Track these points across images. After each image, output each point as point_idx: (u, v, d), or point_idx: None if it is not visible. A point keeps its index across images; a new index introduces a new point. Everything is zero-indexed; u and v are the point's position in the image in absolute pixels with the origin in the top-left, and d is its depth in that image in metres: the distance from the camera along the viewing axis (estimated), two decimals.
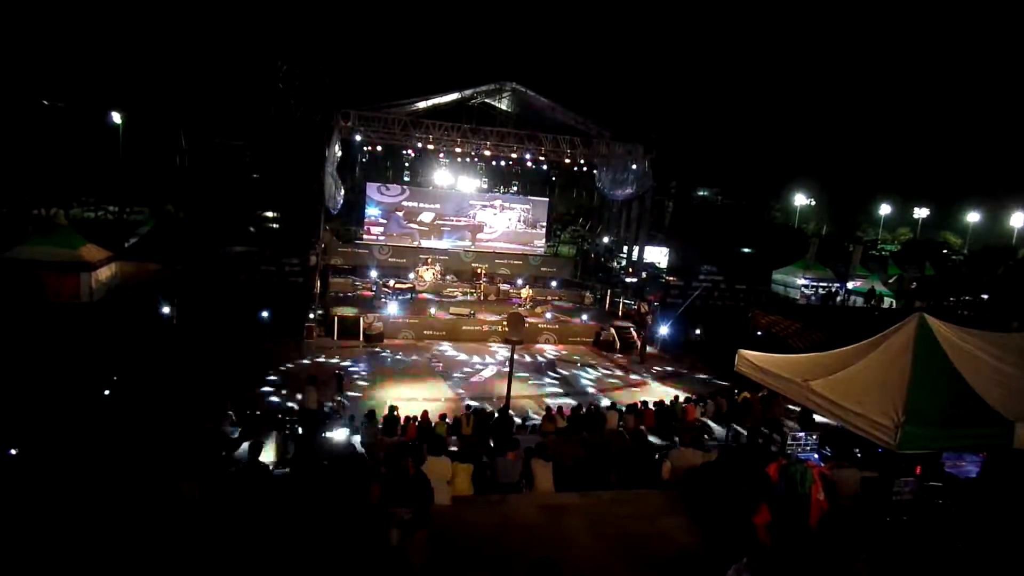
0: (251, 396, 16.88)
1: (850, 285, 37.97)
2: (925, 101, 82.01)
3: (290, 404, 16.14)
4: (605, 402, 18.26)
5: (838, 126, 74.29)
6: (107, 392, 14.20)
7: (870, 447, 8.45)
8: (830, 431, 9.53)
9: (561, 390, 20.19)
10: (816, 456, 8.86)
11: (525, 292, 27.90)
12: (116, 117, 39.95)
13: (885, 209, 65.58)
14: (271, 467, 10.63)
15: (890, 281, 39.62)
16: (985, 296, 37.03)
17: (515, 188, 35.85)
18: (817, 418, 9.97)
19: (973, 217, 62.96)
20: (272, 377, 18.84)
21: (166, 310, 20.84)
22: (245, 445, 10.44)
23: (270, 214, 40.24)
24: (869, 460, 8.66)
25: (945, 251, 57.75)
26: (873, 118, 77.23)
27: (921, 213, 64.42)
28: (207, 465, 8.53)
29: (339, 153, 24.88)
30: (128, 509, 7.22)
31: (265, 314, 22.28)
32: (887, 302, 36.73)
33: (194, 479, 7.75)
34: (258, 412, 14.45)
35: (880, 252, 55.02)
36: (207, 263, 23.31)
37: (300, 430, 13.39)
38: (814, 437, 9.07)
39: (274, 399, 17.15)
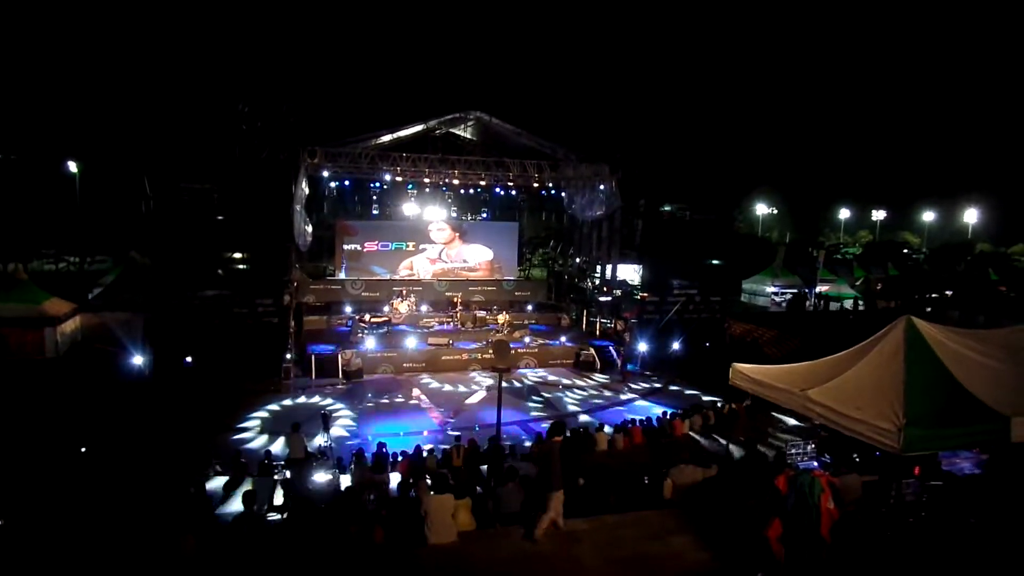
0: (233, 442, 16.48)
1: (818, 289, 38.71)
2: (875, 107, 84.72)
3: (274, 448, 15.75)
4: (586, 419, 18.25)
5: (795, 135, 76.22)
6: (83, 449, 13.70)
7: (868, 451, 8.54)
8: (827, 438, 9.61)
9: (546, 414, 20.08)
10: (816, 464, 8.91)
11: (502, 318, 27.82)
12: (72, 166, 39.22)
13: (844, 213, 67.29)
14: (264, 515, 10.35)
15: (857, 283, 40.52)
16: (949, 292, 38.04)
17: (484, 215, 35.92)
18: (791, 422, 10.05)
19: (929, 216, 64.93)
20: (253, 422, 18.41)
21: (138, 360, 20.29)
22: (238, 494, 10.17)
23: (239, 255, 39.69)
24: (868, 464, 8.74)
25: (905, 251, 59.39)
26: (828, 126, 79.45)
27: (879, 215, 66.23)
28: (202, 518, 8.26)
29: (306, 190, 24.67)
30: (127, 566, 6.97)
31: (241, 357, 21.89)
32: (853, 304, 37.49)
33: (191, 532, 7.50)
34: (243, 460, 14.06)
35: (843, 255, 56.29)
36: (178, 309, 22.82)
37: (288, 475, 13.06)
38: (812, 445, 9.14)
39: (257, 444, 16.74)
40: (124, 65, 53.47)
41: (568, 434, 15.08)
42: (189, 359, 20.85)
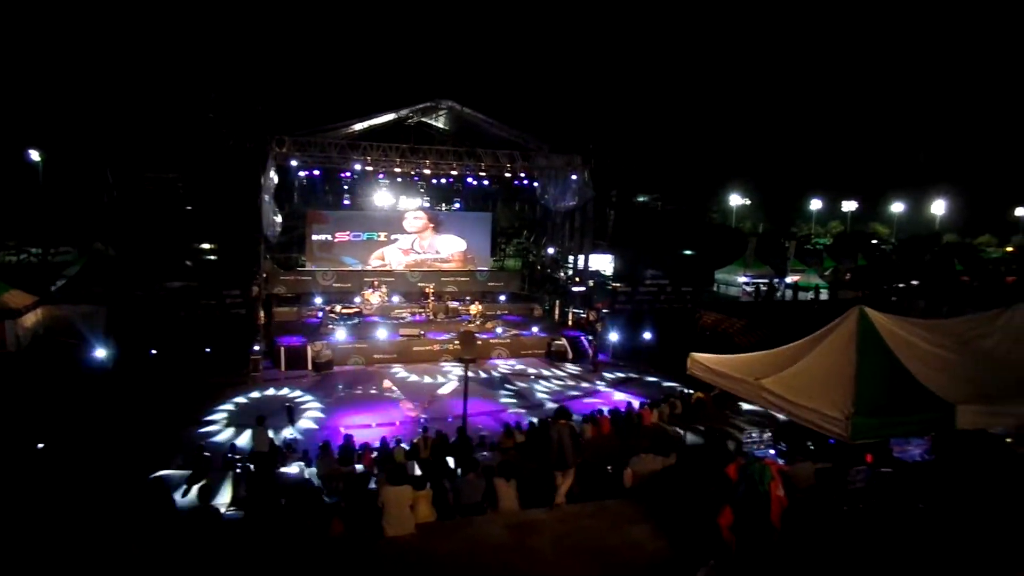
0: (198, 436, 16.31)
1: (789, 280, 39.23)
2: (849, 99, 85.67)
3: (239, 442, 15.61)
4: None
5: (769, 127, 76.90)
6: (40, 446, 13.43)
7: (822, 439, 8.67)
8: (782, 426, 9.76)
9: (517, 404, 20.14)
10: (772, 452, 9.04)
11: (474, 308, 27.80)
12: (35, 155, 38.29)
13: (816, 204, 68.11)
14: (223, 510, 10.24)
15: (826, 273, 41.13)
16: (915, 282, 38.75)
17: (457, 205, 35.78)
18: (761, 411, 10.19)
19: (898, 207, 65.99)
20: (219, 415, 18.23)
21: (101, 353, 19.94)
22: (195, 488, 10.05)
23: (207, 246, 39.11)
24: (822, 452, 8.88)
25: (875, 241, 60.37)
26: (802, 117, 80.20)
27: (850, 206, 67.14)
28: (154, 516, 8.13)
29: (275, 180, 24.38)
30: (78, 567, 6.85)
31: (208, 349, 21.60)
32: (824, 294, 38.08)
33: (142, 534, 7.39)
34: (207, 453, 13.92)
35: (814, 246, 57.06)
36: (143, 301, 22.40)
37: (252, 468, 12.95)
38: (768, 434, 9.27)
39: (222, 437, 16.58)
40: (86, 52, 52.18)
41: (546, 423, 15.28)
42: (154, 352, 20.53)
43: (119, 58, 52.71)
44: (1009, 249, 58.03)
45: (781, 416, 8.72)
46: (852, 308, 7.94)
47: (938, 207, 62.94)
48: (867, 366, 7.25)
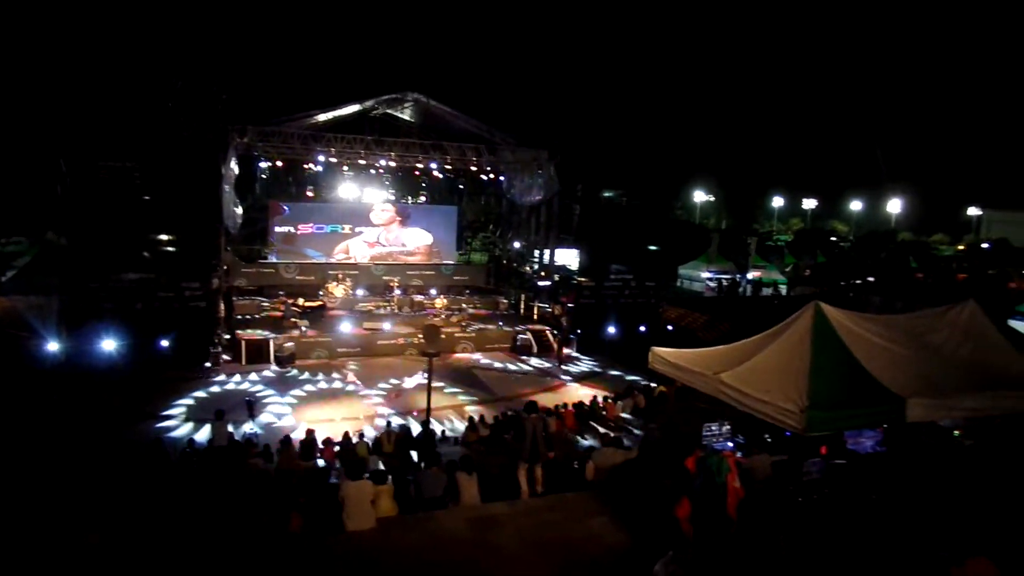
0: (156, 431, 15.94)
1: (750, 275, 39.91)
2: (808, 100, 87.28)
3: (198, 437, 15.31)
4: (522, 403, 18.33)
5: (732, 124, 77.99)
6: None
7: (779, 432, 8.84)
8: (741, 419, 9.89)
9: (482, 398, 20.13)
10: (730, 445, 9.17)
11: (439, 302, 27.70)
12: None
13: (778, 202, 69.35)
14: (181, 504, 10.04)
15: (787, 270, 41.94)
16: (871, 279, 39.76)
17: (423, 198, 35.55)
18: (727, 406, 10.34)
19: (856, 205, 67.56)
20: (177, 409, 17.85)
21: (53, 346, 19.36)
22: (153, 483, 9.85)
23: (165, 237, 38.19)
24: (779, 444, 9.06)
25: (833, 238, 61.74)
26: (765, 115, 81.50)
27: (810, 204, 68.51)
28: (111, 511, 7.95)
29: (236, 170, 23.89)
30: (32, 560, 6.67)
31: (166, 343, 21.13)
32: (783, 290, 38.86)
33: (98, 528, 7.22)
34: (164, 449, 13.63)
35: (776, 243, 58.11)
36: (97, 293, 21.76)
37: (211, 463, 12.72)
38: (727, 427, 9.40)
39: (181, 432, 16.24)
40: (39, 36, 50.45)
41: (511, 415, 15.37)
42: (109, 345, 19.99)
43: (73, 43, 51.08)
44: (961, 247, 59.91)
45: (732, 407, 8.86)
46: (808, 304, 8.09)
47: (894, 206, 64.61)
48: (822, 360, 7.39)
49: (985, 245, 57.27)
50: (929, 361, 7.99)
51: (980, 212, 65.19)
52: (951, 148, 69.08)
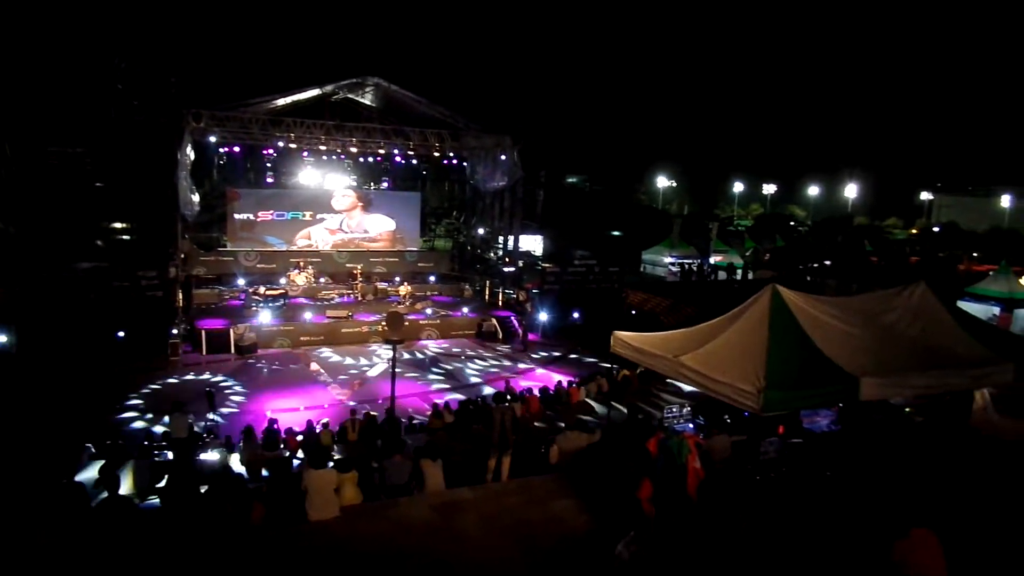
0: (111, 424, 15.57)
1: (712, 260, 40.49)
2: (767, 87, 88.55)
3: (157, 429, 15.01)
4: (490, 392, 18.41)
5: (693, 111, 78.84)
6: None
7: (738, 413, 9.03)
8: (701, 401, 10.11)
9: (447, 385, 20.13)
10: (691, 426, 9.36)
11: (403, 289, 27.53)
12: None
13: (739, 187, 70.39)
14: (138, 500, 9.87)
15: (747, 254, 42.65)
16: (828, 262, 40.67)
17: (385, 184, 35.11)
18: (687, 389, 10.54)
19: (814, 191, 68.96)
20: (134, 401, 17.47)
21: (1, 338, 18.73)
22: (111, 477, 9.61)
23: (120, 225, 37.06)
24: (738, 425, 9.25)
25: (792, 223, 62.97)
26: (725, 101, 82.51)
27: (770, 189, 69.72)
28: (71, 507, 7.74)
29: (192, 156, 23.28)
30: None
31: (122, 333, 20.59)
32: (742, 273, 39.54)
33: (49, 525, 7.01)
34: (120, 441, 13.32)
35: (736, 227, 59.01)
36: (49, 283, 21.07)
37: (170, 456, 12.50)
38: (688, 408, 9.58)
39: (138, 424, 15.91)
40: None
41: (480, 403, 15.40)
42: (61, 337, 19.38)
43: (16, 22, 48.99)
44: (914, 231, 61.74)
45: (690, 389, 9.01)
46: (766, 287, 8.25)
47: (850, 191, 66.14)
48: (778, 342, 7.57)
49: (936, 229, 59.08)
50: (881, 341, 8.24)
51: (931, 197, 67.19)
52: (904, 135, 70.94)
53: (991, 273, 26.33)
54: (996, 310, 22.75)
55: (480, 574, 6.76)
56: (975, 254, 45.61)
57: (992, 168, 63.13)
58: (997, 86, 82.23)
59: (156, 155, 23.32)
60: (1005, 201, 57.79)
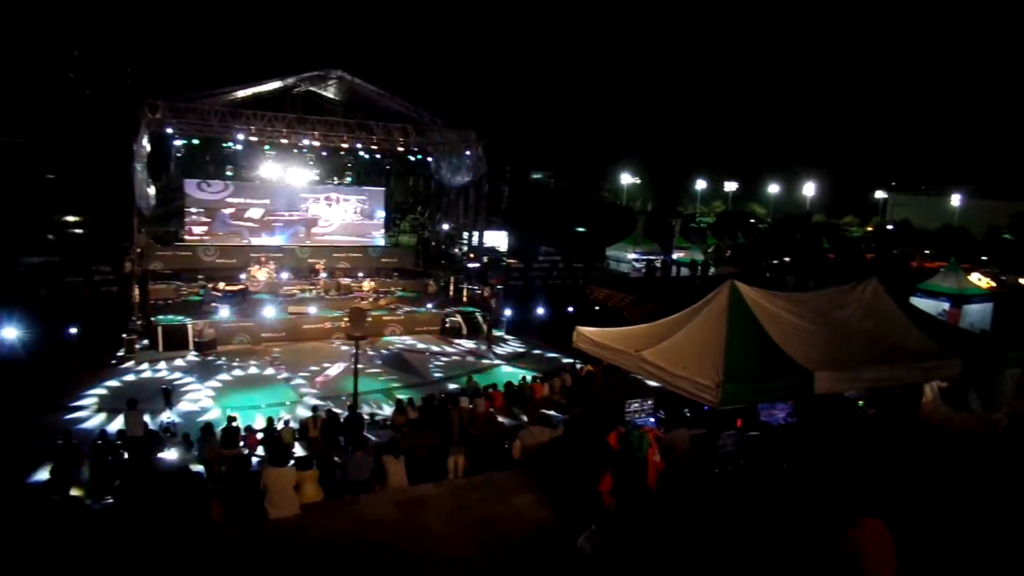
0: (63, 423, 15.12)
1: (675, 256, 41.02)
2: (729, 86, 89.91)
3: (112, 428, 14.63)
4: (454, 387, 18.39)
5: (657, 109, 79.69)
6: None
7: (697, 407, 9.18)
8: (662, 395, 10.23)
9: (411, 381, 20.01)
10: (652, 420, 9.47)
11: (367, 285, 27.27)
12: None
13: (701, 184, 71.39)
14: (91, 501, 9.61)
15: (709, 251, 43.31)
16: (787, 259, 41.55)
17: (349, 179, 34.66)
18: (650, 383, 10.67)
19: (774, 189, 70.32)
20: (88, 400, 16.99)
21: None
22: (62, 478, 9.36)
23: (72, 219, 35.87)
24: (697, 419, 9.40)
25: (752, 220, 64.14)
26: (688, 99, 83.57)
27: (731, 187, 70.87)
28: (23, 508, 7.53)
29: (148, 148, 22.70)
30: None
31: (74, 330, 20.01)
32: (707, 269, 40.11)
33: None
34: (73, 441, 12.94)
35: (699, 224, 59.85)
36: None
37: (125, 455, 12.20)
38: (649, 403, 9.70)
39: (92, 424, 15.49)
40: None
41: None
42: (9, 333, 18.77)
43: None
44: (869, 229, 63.44)
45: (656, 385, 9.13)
46: (724, 283, 8.39)
47: (809, 189, 67.63)
48: (736, 337, 7.71)
49: (890, 227, 60.80)
50: (835, 336, 8.45)
51: (886, 196, 69.10)
52: (861, 135, 72.76)
53: (941, 270, 27.14)
54: (946, 306, 23.45)
55: (443, 569, 6.77)
56: (927, 251, 47.11)
57: (944, 168, 65.29)
58: (951, 89, 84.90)
59: (111, 146, 22.64)
60: (955, 200, 59.70)
